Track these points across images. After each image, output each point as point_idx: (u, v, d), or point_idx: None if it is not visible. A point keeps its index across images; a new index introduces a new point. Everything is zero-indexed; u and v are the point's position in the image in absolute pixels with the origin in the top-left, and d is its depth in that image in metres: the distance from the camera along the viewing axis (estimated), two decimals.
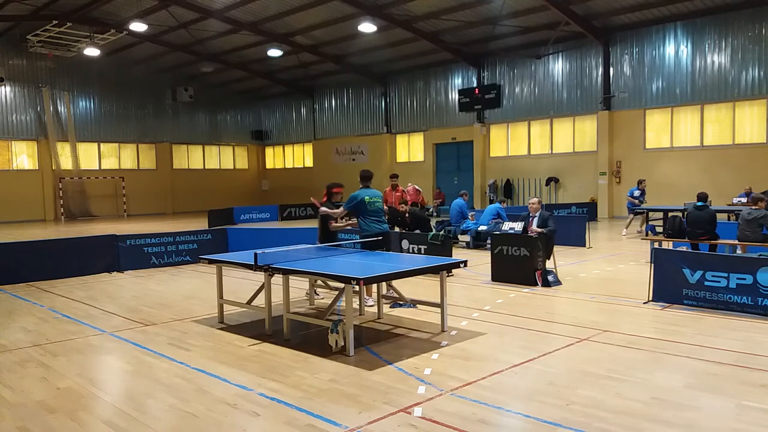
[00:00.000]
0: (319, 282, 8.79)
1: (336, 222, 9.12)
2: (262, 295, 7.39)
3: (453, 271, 10.22)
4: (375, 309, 8.12)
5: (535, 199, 10.65)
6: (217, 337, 7.21)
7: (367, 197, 8.75)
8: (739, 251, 10.48)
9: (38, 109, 30.20)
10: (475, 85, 27.55)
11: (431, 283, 9.49)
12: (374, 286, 8.28)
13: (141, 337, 7.22)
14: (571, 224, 15.03)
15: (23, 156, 30.24)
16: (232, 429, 4.53)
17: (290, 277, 6.98)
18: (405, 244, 12.40)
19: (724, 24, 20.52)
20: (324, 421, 4.55)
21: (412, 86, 30.51)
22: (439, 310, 7.20)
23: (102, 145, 32.68)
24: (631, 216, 17.99)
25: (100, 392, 5.41)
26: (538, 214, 10.37)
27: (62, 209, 30.59)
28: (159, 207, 33.95)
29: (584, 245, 14.48)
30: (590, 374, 5.49)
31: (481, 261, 11.88)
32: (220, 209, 25.55)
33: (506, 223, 10.65)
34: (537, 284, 9.74)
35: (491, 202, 21.92)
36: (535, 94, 25.78)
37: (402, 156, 31.67)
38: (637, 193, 18.09)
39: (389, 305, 8.34)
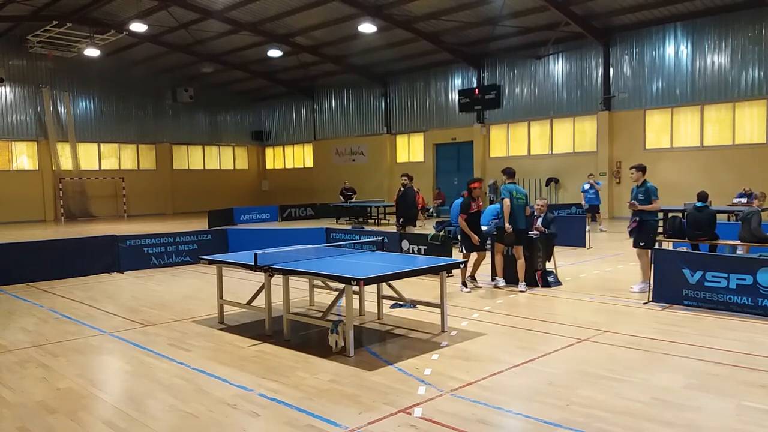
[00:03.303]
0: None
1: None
2: (262, 296, 7.38)
3: (453, 271, 10.21)
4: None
5: (542, 201, 10.64)
6: (217, 337, 7.21)
7: (514, 192, 9.38)
8: (740, 251, 10.45)
9: (38, 109, 30.20)
10: (475, 85, 27.53)
11: (431, 283, 9.51)
12: (472, 267, 9.47)
13: (141, 338, 7.22)
14: (571, 225, 15.03)
15: (23, 156, 30.23)
16: (232, 429, 4.53)
17: (290, 277, 6.98)
18: (405, 244, 12.40)
19: (724, 24, 20.51)
20: (324, 422, 4.55)
21: (412, 87, 30.50)
22: (439, 310, 7.19)
23: (102, 145, 32.67)
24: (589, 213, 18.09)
25: (100, 392, 5.41)
26: (542, 215, 10.37)
27: (62, 210, 30.58)
28: (159, 207, 33.94)
29: (584, 246, 14.48)
30: (590, 374, 5.49)
31: None
32: (220, 210, 25.52)
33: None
34: (537, 285, 9.74)
35: (491, 202, 21.90)
36: (535, 95, 25.76)
37: (402, 156, 31.65)
38: (587, 186, 18.70)
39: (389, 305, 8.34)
